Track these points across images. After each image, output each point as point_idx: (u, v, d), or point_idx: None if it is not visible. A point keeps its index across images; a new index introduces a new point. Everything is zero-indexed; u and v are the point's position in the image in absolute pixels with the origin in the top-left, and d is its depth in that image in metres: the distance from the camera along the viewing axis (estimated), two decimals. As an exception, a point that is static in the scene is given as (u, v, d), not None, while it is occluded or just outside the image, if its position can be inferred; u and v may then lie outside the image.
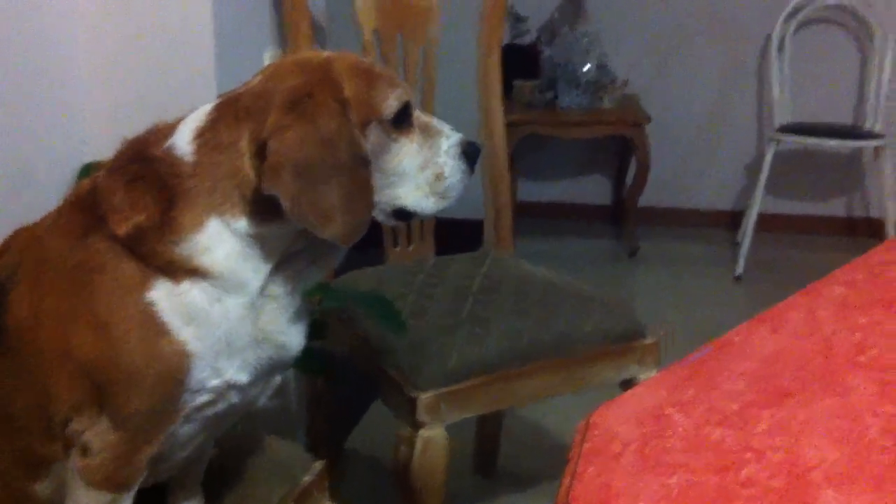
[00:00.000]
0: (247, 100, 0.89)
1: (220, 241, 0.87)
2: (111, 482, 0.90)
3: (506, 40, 3.84)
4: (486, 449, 2.15)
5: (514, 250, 1.90)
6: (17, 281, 0.92)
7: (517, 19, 4.04)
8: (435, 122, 1.00)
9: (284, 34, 1.68)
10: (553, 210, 4.46)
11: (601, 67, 3.85)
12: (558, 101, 3.85)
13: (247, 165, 0.87)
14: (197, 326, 0.87)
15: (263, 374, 0.95)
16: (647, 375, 1.53)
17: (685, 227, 4.33)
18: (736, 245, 3.94)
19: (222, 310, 0.88)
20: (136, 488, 0.93)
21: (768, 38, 4.02)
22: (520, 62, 3.95)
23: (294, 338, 0.95)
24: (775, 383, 0.76)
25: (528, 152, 4.28)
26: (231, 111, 0.89)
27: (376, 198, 0.92)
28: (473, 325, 1.45)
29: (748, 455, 0.64)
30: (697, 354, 0.82)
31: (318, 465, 1.15)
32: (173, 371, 0.86)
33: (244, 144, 0.87)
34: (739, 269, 3.65)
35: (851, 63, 4.07)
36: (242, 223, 0.87)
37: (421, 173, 0.96)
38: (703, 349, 0.83)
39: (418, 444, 1.35)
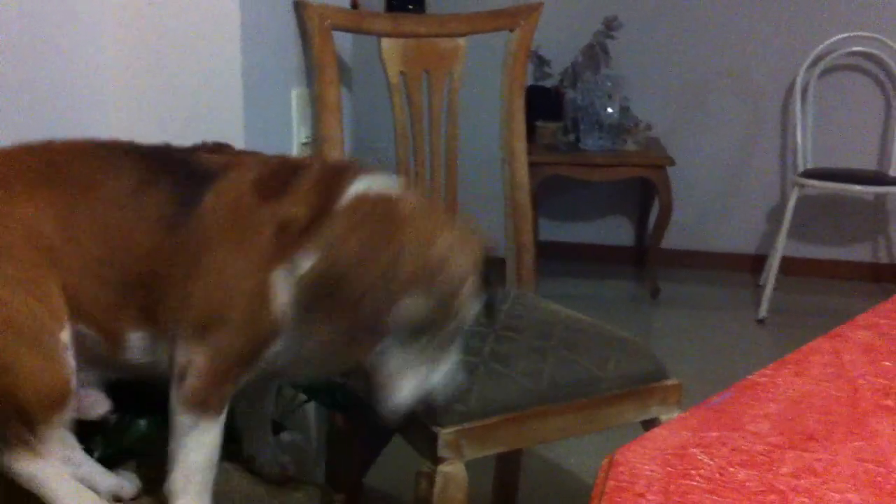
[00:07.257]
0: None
1: None
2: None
3: (529, 82, 3.88)
4: (505, 487, 2.14)
5: (536, 289, 1.90)
6: (222, 177, 1.03)
7: (541, 62, 4.08)
8: None
9: (311, 75, 1.71)
10: (575, 251, 4.47)
11: (624, 110, 3.88)
12: (581, 143, 3.88)
13: None
14: None
15: None
16: (670, 416, 1.52)
17: (707, 269, 4.32)
18: (759, 288, 3.92)
19: None
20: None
21: (792, 83, 4.03)
22: (542, 104, 3.99)
23: None
24: (800, 425, 0.76)
25: (550, 193, 4.29)
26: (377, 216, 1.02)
27: None
28: (495, 364, 1.45)
29: (772, 497, 0.64)
30: (721, 397, 0.82)
31: (339, 501, 1.15)
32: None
33: None
34: (762, 312, 3.64)
35: (876, 109, 4.08)
36: None
37: None
38: (726, 392, 0.83)
39: (438, 480, 1.35)
